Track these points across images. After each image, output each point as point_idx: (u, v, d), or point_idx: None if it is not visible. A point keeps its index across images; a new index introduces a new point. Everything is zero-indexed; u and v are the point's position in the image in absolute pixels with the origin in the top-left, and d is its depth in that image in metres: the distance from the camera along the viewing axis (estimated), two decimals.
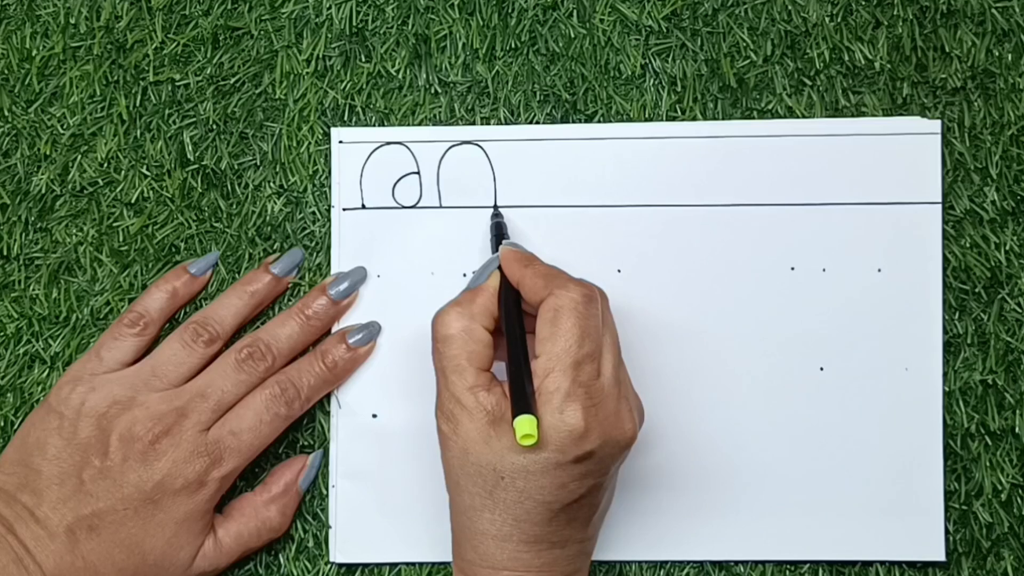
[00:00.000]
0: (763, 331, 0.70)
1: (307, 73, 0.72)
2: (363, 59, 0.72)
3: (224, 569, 0.68)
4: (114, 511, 0.64)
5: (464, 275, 0.70)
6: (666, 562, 0.70)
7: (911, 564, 0.70)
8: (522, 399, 0.59)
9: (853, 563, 0.70)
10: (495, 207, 0.70)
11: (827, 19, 0.71)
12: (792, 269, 0.70)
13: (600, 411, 0.60)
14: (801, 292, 0.70)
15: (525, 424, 0.58)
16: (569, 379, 0.59)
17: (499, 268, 0.65)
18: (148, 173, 0.72)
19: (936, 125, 0.70)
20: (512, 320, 0.63)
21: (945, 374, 0.70)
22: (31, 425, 0.66)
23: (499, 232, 0.69)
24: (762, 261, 0.70)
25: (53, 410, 0.66)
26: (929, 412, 0.69)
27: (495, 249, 0.67)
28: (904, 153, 0.70)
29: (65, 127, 0.72)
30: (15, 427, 0.70)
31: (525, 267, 0.64)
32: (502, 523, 0.61)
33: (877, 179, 0.70)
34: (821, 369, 0.69)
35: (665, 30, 0.71)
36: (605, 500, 0.64)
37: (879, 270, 0.70)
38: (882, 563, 0.69)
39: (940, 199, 0.70)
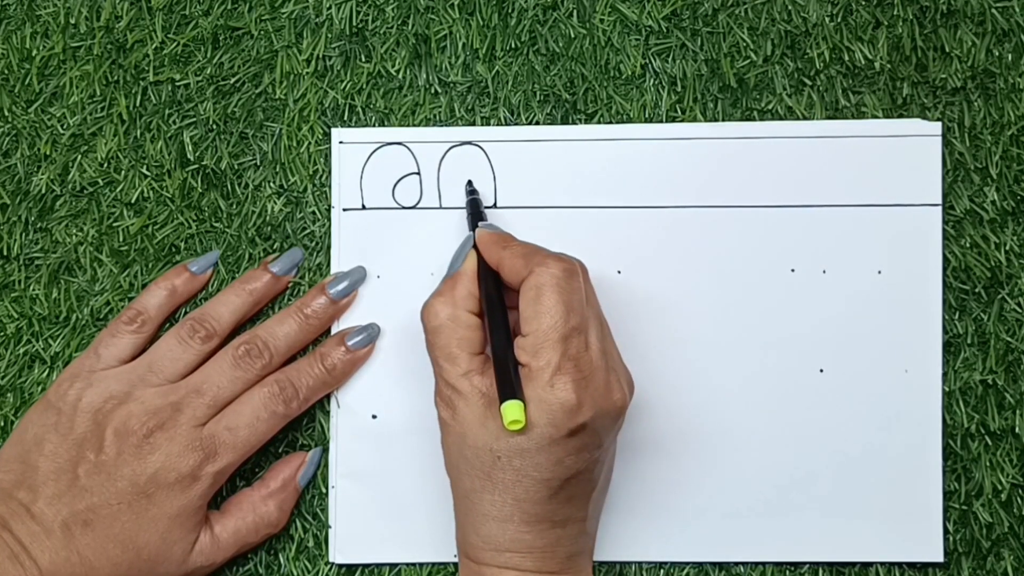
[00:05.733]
0: (763, 333, 0.70)
1: (307, 73, 0.72)
2: (363, 59, 0.72)
3: (221, 565, 0.68)
4: (108, 505, 0.64)
5: None
6: (666, 562, 0.70)
7: (911, 564, 0.70)
8: (507, 384, 0.60)
9: (853, 564, 0.70)
10: (469, 182, 0.70)
11: (827, 19, 0.71)
12: (792, 271, 0.70)
13: (590, 383, 0.61)
14: (801, 294, 0.70)
15: (512, 409, 0.59)
16: (558, 353, 0.60)
17: (475, 248, 0.66)
18: (148, 173, 0.72)
19: (936, 127, 0.70)
20: (492, 303, 0.64)
21: (945, 374, 0.70)
22: (29, 421, 0.67)
23: (475, 209, 0.69)
24: (762, 263, 0.70)
25: (51, 406, 0.66)
26: (929, 414, 0.69)
27: (471, 226, 0.68)
28: (904, 155, 0.70)
29: (65, 127, 0.72)
30: (15, 426, 0.70)
31: (503, 248, 0.64)
32: (502, 504, 0.61)
33: (877, 181, 0.70)
34: (821, 371, 0.69)
35: (665, 30, 0.71)
36: (603, 478, 0.65)
37: (879, 272, 0.69)
38: (882, 564, 0.69)
39: (940, 201, 0.70)
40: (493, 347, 0.62)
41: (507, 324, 0.63)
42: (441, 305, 0.64)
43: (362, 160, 0.71)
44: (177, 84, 0.72)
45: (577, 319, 0.61)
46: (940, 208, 0.70)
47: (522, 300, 0.62)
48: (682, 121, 0.71)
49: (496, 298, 0.64)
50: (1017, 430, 0.70)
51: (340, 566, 0.70)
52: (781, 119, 0.71)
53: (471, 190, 0.70)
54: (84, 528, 0.64)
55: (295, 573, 0.70)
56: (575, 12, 0.72)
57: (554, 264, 0.62)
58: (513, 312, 0.64)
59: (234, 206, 0.72)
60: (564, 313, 0.61)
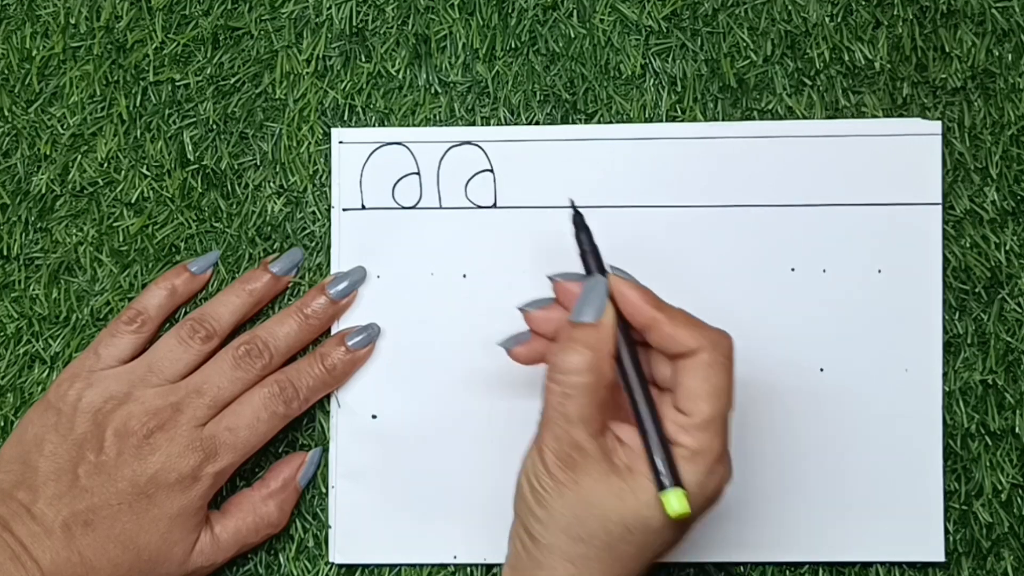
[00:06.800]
0: (763, 332, 0.70)
1: (307, 73, 0.72)
2: (363, 59, 0.72)
3: (222, 565, 0.68)
4: (108, 505, 0.64)
5: (464, 276, 0.70)
6: (666, 562, 0.70)
7: (911, 564, 0.70)
8: (670, 469, 0.58)
9: (853, 564, 0.70)
10: (573, 205, 0.65)
11: (827, 19, 0.71)
12: (792, 270, 0.70)
13: (729, 465, 0.60)
14: (801, 293, 0.70)
15: (678, 499, 0.57)
16: (721, 439, 0.58)
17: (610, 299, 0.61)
18: (148, 173, 0.72)
19: (936, 126, 0.70)
20: (639, 371, 0.61)
21: (945, 374, 0.70)
22: (29, 421, 0.67)
23: (593, 246, 0.63)
24: (762, 262, 0.70)
25: (51, 406, 0.66)
26: (929, 413, 0.69)
27: (587, 264, 0.63)
28: (904, 154, 0.70)
29: (65, 127, 0.72)
30: (14, 426, 0.70)
31: (657, 310, 0.60)
32: (609, 572, 0.59)
33: (877, 180, 0.70)
34: (821, 370, 0.69)
35: (665, 30, 0.71)
36: None
37: (879, 271, 0.69)
38: (882, 564, 0.69)
39: (940, 200, 0.70)
40: (642, 421, 0.59)
41: (650, 395, 0.60)
42: (589, 357, 0.59)
43: (362, 160, 0.71)
44: (177, 84, 0.72)
45: (733, 399, 0.60)
46: (940, 207, 0.70)
47: (688, 375, 0.59)
48: (682, 121, 0.71)
49: (638, 364, 0.61)
50: (1017, 430, 0.70)
51: (340, 566, 0.70)
52: (781, 119, 0.71)
53: (577, 214, 0.64)
54: (85, 528, 0.64)
55: (295, 573, 0.70)
56: (575, 12, 0.72)
57: (725, 340, 0.59)
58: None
59: (234, 206, 0.72)
60: (731, 395, 0.59)
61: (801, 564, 0.70)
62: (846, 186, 0.70)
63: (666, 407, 0.60)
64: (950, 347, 0.70)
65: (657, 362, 0.62)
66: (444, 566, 0.70)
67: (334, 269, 0.71)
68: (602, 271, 0.62)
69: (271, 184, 0.72)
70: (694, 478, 0.58)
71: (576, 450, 0.58)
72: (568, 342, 0.60)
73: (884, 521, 0.69)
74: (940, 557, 0.69)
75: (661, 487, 0.57)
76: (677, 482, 0.57)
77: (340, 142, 0.71)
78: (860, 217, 0.70)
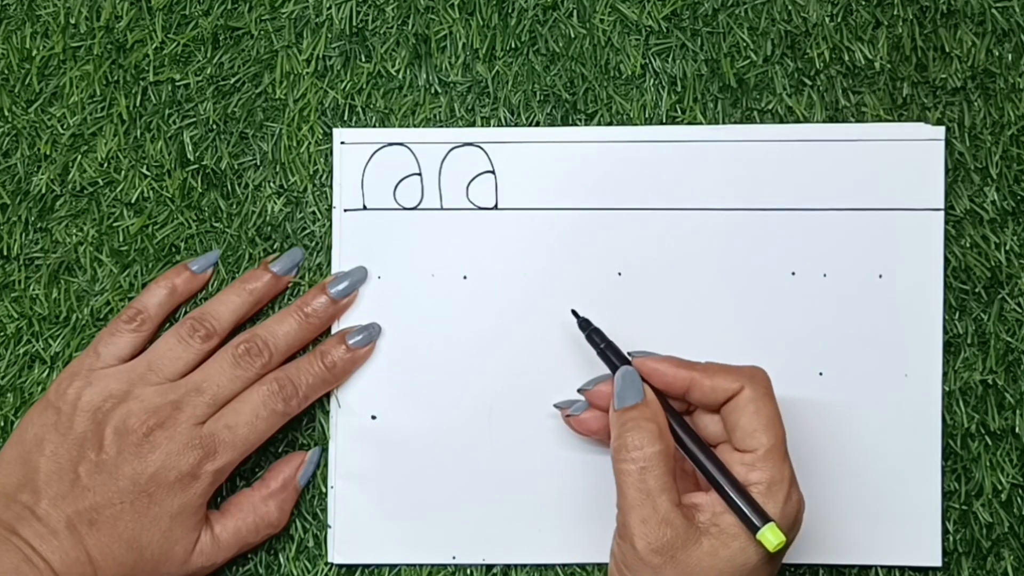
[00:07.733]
0: (763, 336, 0.70)
1: (307, 73, 0.72)
2: (363, 59, 0.72)
3: (222, 565, 0.68)
4: (110, 504, 0.64)
5: (464, 277, 0.70)
6: None
7: (910, 568, 0.70)
8: (755, 509, 0.60)
9: (852, 567, 0.69)
10: (576, 313, 0.68)
11: (827, 19, 0.71)
12: (793, 274, 0.70)
13: (799, 491, 0.62)
14: (801, 297, 0.69)
15: (773, 532, 0.59)
16: (787, 465, 0.62)
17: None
18: (148, 173, 0.72)
19: (940, 132, 0.70)
20: (692, 434, 0.64)
21: (945, 374, 0.70)
22: (29, 421, 0.67)
23: (606, 340, 0.67)
24: (763, 266, 0.70)
25: (51, 405, 0.66)
26: (928, 418, 0.69)
27: (608, 360, 0.66)
28: (907, 159, 0.70)
29: (65, 127, 0.72)
30: (15, 426, 0.70)
31: (689, 369, 0.63)
32: None
33: (879, 185, 0.70)
34: (820, 374, 0.69)
35: (665, 30, 0.71)
36: None
37: (880, 276, 0.69)
38: (881, 567, 0.69)
39: (942, 206, 0.70)
40: (713, 475, 0.61)
41: (710, 450, 0.63)
42: (653, 431, 0.62)
43: (363, 160, 0.71)
44: (177, 84, 0.72)
45: (783, 427, 0.62)
46: (942, 213, 0.70)
47: (740, 414, 0.62)
48: (682, 121, 0.71)
49: (689, 428, 0.64)
50: (1017, 430, 0.70)
51: (340, 566, 0.70)
52: (781, 119, 0.71)
53: (582, 320, 0.67)
54: (89, 528, 0.64)
55: (295, 573, 0.70)
56: (575, 12, 0.72)
57: (761, 373, 0.63)
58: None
59: (234, 206, 0.72)
60: (781, 423, 0.62)
61: (800, 566, 0.70)
62: (848, 191, 0.70)
63: (727, 454, 0.62)
64: (950, 347, 0.70)
65: (703, 423, 0.65)
66: (443, 566, 0.70)
67: (335, 269, 0.71)
68: (624, 361, 0.65)
69: (271, 184, 0.72)
70: (776, 509, 0.60)
71: (666, 527, 0.60)
72: (627, 423, 0.63)
73: (882, 527, 0.69)
74: (937, 563, 0.69)
75: (755, 529, 0.60)
76: (765, 518, 0.60)
77: (342, 142, 0.71)
78: (861, 222, 0.70)
